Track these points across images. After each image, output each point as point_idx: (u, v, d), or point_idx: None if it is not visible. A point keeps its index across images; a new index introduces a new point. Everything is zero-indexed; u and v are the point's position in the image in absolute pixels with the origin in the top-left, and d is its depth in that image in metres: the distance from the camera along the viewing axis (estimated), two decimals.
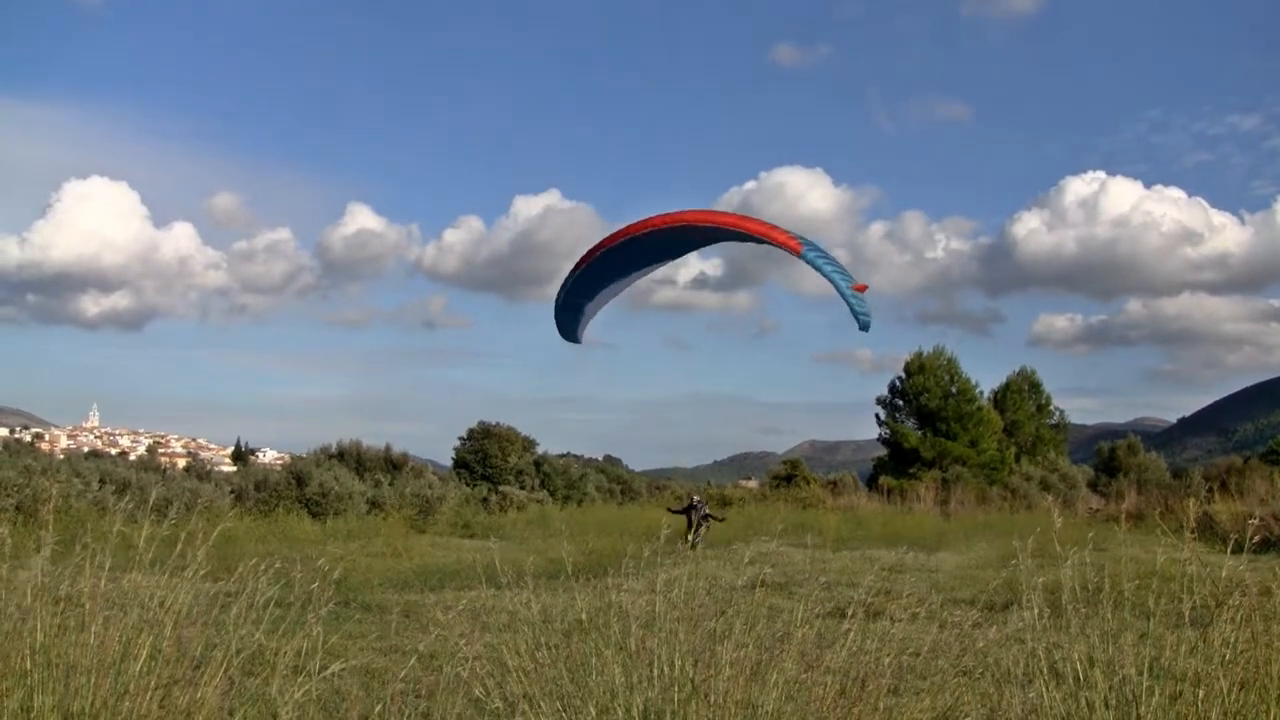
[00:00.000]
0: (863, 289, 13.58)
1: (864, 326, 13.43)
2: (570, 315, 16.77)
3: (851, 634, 5.66)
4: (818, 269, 13.12)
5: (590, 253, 16.07)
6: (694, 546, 14.36)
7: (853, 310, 13.07)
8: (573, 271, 16.24)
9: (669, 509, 23.20)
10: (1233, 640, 5.28)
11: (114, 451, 69.24)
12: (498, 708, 5.59)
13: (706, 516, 22.02)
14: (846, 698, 5.23)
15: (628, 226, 15.18)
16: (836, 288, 12.98)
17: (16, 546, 5.75)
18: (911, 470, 44.66)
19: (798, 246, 13.16)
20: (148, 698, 4.90)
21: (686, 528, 20.76)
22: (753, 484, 52.93)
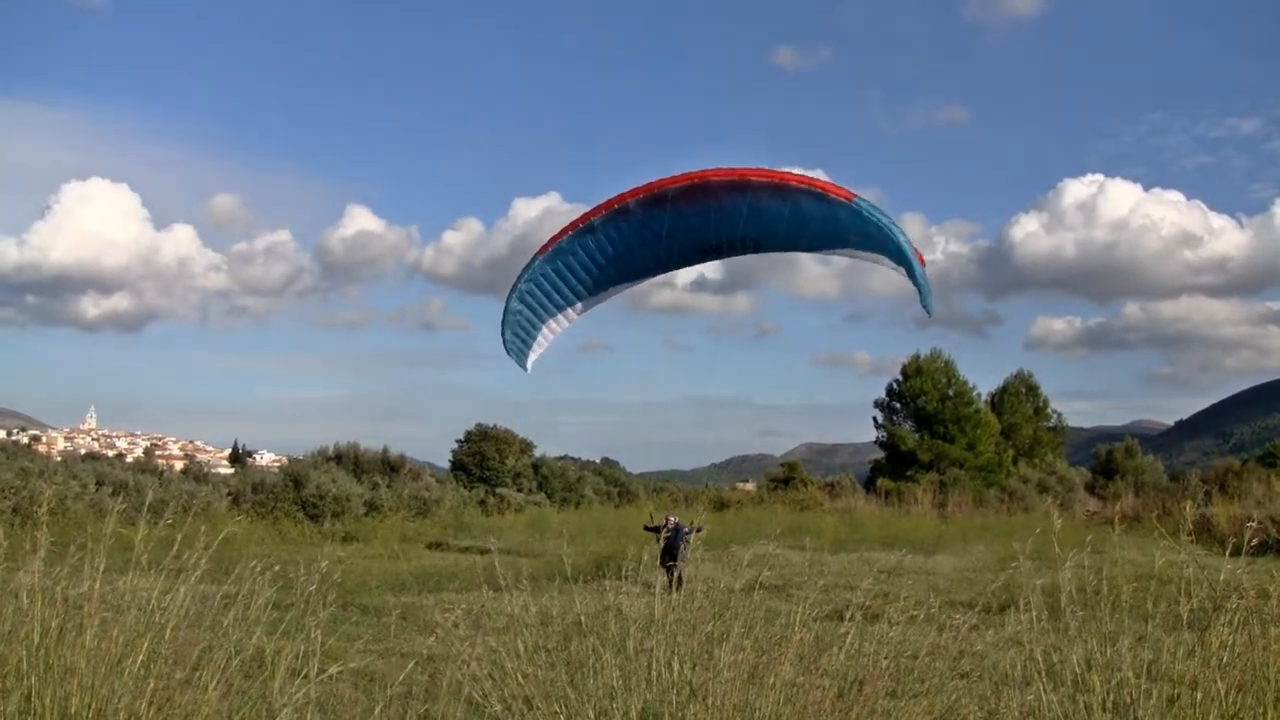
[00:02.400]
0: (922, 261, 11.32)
1: (927, 303, 11.14)
2: (519, 329, 12.46)
3: (849, 637, 5.66)
4: (877, 224, 10.54)
5: (562, 233, 11.70)
6: (678, 584, 11.25)
7: (916, 282, 10.75)
8: (530, 263, 11.91)
9: (645, 526, 17.40)
10: (1230, 643, 5.28)
11: (111, 453, 69.04)
12: (496, 710, 5.58)
13: (690, 532, 15.68)
14: (844, 700, 5.23)
15: (616, 197, 11.27)
16: (901, 251, 10.49)
17: (13, 549, 5.74)
18: (909, 473, 44.66)
19: (849, 195, 10.58)
20: (146, 699, 4.89)
21: (663, 554, 15.61)
22: (750, 486, 52.90)
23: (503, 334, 12.44)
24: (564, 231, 11.60)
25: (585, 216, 11.49)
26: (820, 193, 10.53)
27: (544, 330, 12.50)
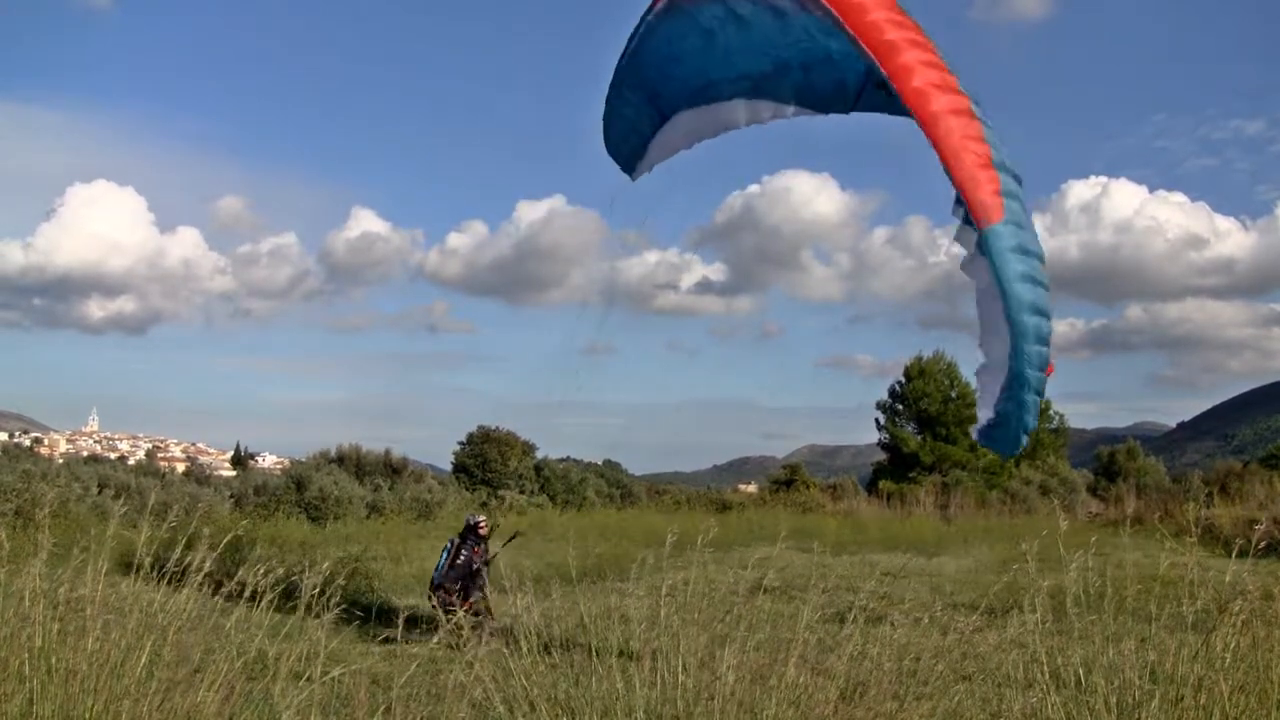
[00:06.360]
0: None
1: (994, 437, 6.86)
2: (626, 116, 9.00)
3: (853, 639, 5.65)
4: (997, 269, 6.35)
5: None
6: (488, 613, 8.95)
7: (1014, 381, 6.32)
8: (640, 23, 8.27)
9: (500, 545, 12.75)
10: (1234, 645, 5.27)
11: (113, 456, 69.12)
12: (500, 712, 5.58)
13: (484, 566, 12.17)
14: (847, 703, 5.22)
15: None
16: (1014, 343, 6.26)
17: (15, 551, 5.74)
18: (911, 475, 44.64)
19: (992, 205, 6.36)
20: (148, 702, 4.89)
21: (457, 576, 11.87)
22: (752, 488, 52.90)
23: (606, 131, 9.52)
24: None
25: None
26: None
27: (662, 134, 8.86)
